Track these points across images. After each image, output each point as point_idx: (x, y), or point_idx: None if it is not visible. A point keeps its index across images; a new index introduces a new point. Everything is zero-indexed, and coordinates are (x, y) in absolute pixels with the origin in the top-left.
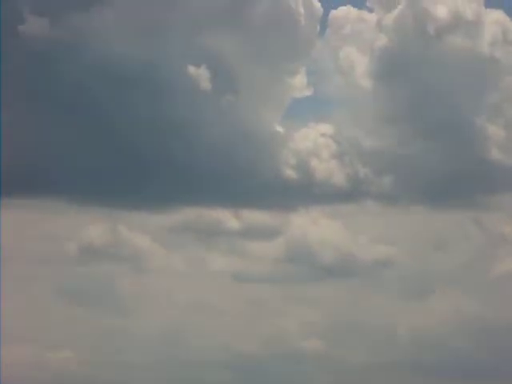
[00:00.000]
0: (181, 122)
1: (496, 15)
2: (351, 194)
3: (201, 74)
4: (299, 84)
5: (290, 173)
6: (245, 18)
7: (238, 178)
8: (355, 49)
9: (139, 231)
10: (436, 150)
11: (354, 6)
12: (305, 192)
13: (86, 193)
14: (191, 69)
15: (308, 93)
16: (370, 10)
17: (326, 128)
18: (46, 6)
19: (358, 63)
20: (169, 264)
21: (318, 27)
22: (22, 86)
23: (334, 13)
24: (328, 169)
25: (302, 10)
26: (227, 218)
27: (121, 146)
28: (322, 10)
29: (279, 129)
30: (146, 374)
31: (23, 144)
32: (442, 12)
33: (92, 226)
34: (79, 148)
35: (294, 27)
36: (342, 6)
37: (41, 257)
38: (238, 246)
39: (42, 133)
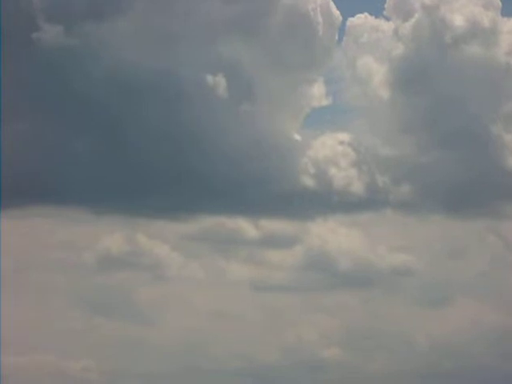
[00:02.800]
0: (199, 130)
1: None
2: (369, 202)
3: (218, 83)
4: (317, 93)
5: (308, 181)
6: (262, 26)
7: (257, 186)
8: (372, 58)
9: (158, 240)
10: (453, 159)
11: (370, 13)
12: (323, 200)
13: (104, 201)
14: (208, 78)
15: (326, 102)
16: (387, 19)
17: (344, 137)
18: (61, 13)
19: (376, 72)
20: (188, 273)
21: (337, 36)
22: (36, 94)
23: (351, 20)
24: (346, 177)
25: (320, 19)
26: (246, 226)
27: (139, 155)
28: (340, 18)
29: (297, 137)
30: (165, 382)
31: (40, 152)
32: (458, 21)
33: (110, 235)
34: (97, 157)
35: (312, 36)
36: (359, 13)
37: (59, 266)
38: (257, 254)
39: (59, 141)
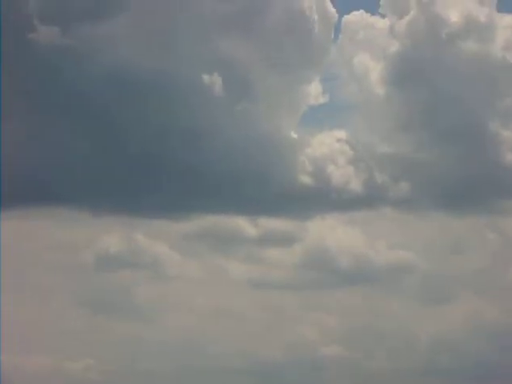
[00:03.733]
0: (196, 130)
1: (509, 19)
2: (368, 200)
3: (214, 82)
4: (314, 91)
5: (306, 179)
6: (258, 24)
7: (255, 185)
8: (368, 55)
9: (156, 239)
10: (451, 156)
11: (366, 11)
12: (322, 198)
13: (102, 201)
14: (204, 76)
15: (323, 100)
16: (383, 16)
17: (342, 134)
18: (57, 14)
19: (372, 69)
20: (186, 271)
21: (332, 33)
22: (32, 95)
23: (346, 18)
24: (344, 175)
25: (315, 17)
26: (244, 225)
27: (136, 154)
28: (336, 15)
29: (295, 136)
30: (166, 381)
31: (37, 153)
32: (454, 17)
33: (109, 235)
34: (94, 156)
35: (308, 34)
36: (354, 10)
37: (58, 267)
38: (256, 253)
39: (55, 141)
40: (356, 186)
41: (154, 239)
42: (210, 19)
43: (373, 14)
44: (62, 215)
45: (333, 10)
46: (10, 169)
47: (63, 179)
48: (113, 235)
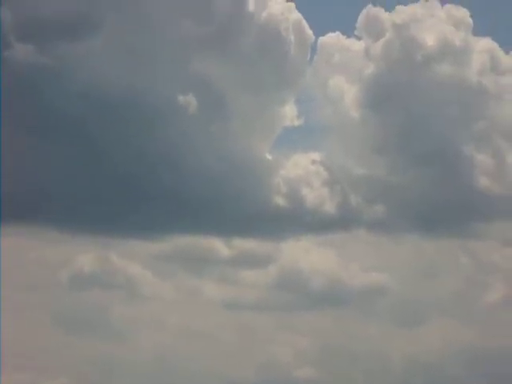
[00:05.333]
0: (170, 150)
1: (484, 43)
2: (342, 222)
3: (189, 102)
4: (289, 113)
5: (280, 201)
6: (234, 45)
7: (229, 206)
8: (344, 77)
9: (130, 259)
10: (425, 179)
11: (342, 33)
12: (296, 220)
13: (77, 221)
14: (179, 97)
15: (298, 122)
16: (358, 38)
17: (316, 156)
18: (33, 32)
19: (347, 92)
20: (160, 292)
21: (308, 55)
22: (7, 114)
23: (322, 39)
24: (319, 197)
25: (292, 38)
26: (218, 246)
27: (110, 174)
28: (313, 37)
29: (269, 157)
30: None
31: (13, 172)
32: (429, 40)
33: (83, 254)
34: (68, 177)
35: (284, 55)
36: (330, 32)
37: (33, 284)
38: (229, 273)
39: (30, 160)
40: (330, 208)
41: (129, 259)
42: (185, 40)
43: (348, 36)
44: (38, 234)
45: (309, 32)
46: None
47: (39, 199)
48: (87, 255)
